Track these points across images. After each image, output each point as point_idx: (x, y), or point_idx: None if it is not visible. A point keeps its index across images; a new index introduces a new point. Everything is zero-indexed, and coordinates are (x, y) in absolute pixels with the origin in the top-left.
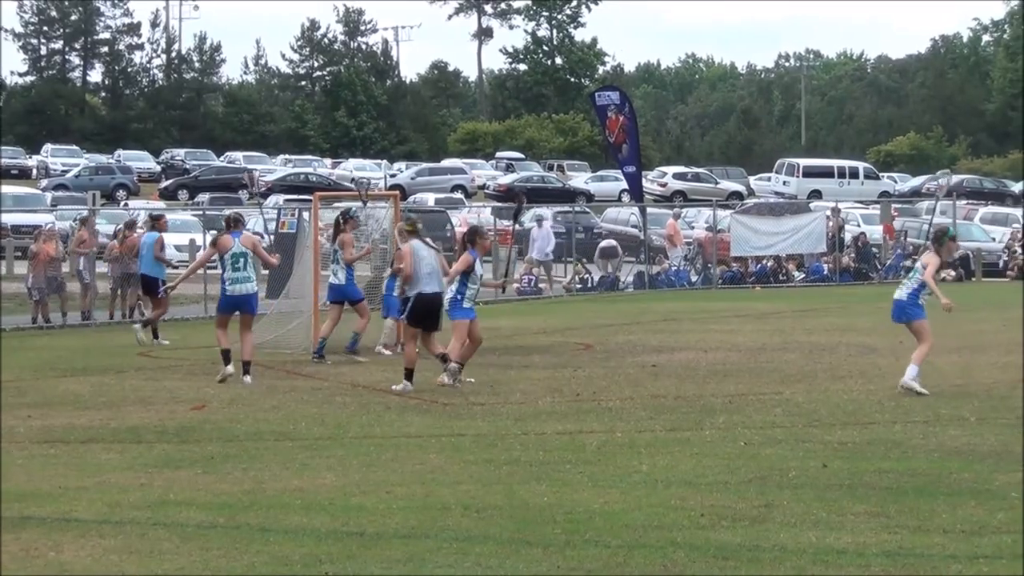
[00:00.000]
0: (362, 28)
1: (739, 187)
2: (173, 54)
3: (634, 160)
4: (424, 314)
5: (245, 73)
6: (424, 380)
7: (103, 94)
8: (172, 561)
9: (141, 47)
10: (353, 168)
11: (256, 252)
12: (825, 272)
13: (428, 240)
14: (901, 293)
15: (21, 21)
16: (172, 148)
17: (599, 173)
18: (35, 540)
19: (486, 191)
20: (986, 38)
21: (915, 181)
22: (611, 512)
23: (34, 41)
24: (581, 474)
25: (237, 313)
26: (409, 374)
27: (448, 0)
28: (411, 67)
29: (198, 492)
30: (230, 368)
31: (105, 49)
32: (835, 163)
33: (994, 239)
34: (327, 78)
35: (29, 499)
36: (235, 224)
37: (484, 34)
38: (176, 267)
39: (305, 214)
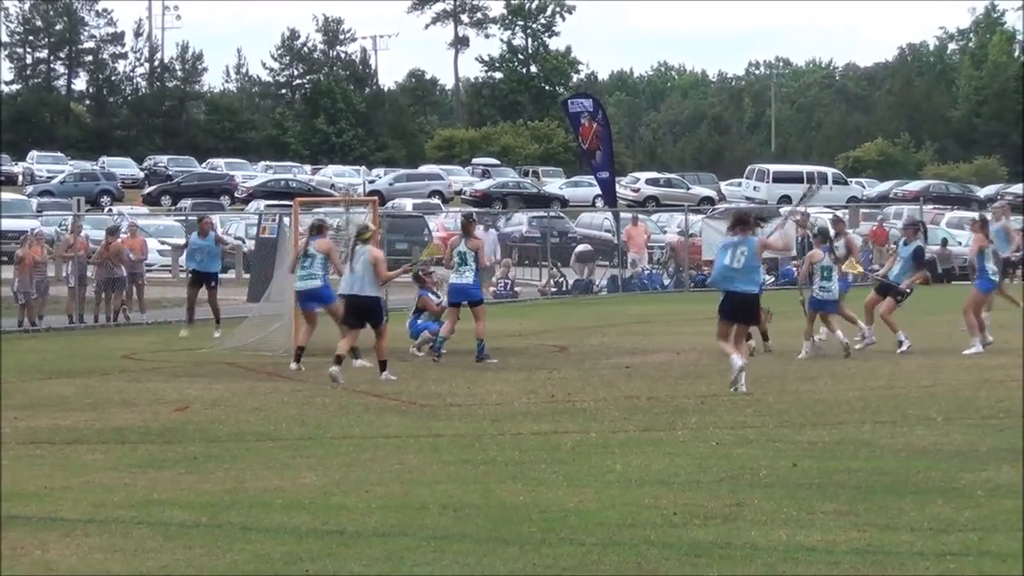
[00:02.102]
0: (341, 37)
1: (710, 192)
2: (156, 63)
3: (607, 166)
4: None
5: (227, 81)
6: (402, 381)
7: (87, 102)
8: (156, 559)
9: (125, 56)
10: (332, 174)
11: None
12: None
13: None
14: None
15: (7, 31)
16: (155, 155)
17: (573, 179)
18: (21, 539)
19: (463, 196)
20: (952, 46)
21: (883, 186)
22: (585, 511)
23: (20, 50)
24: (556, 473)
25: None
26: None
27: (425, 10)
28: (389, 75)
29: (181, 492)
30: (293, 366)
31: (89, 58)
32: (804, 169)
33: (960, 243)
34: (307, 86)
35: (15, 499)
36: (317, 231)
37: (460, 43)
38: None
39: (286, 219)
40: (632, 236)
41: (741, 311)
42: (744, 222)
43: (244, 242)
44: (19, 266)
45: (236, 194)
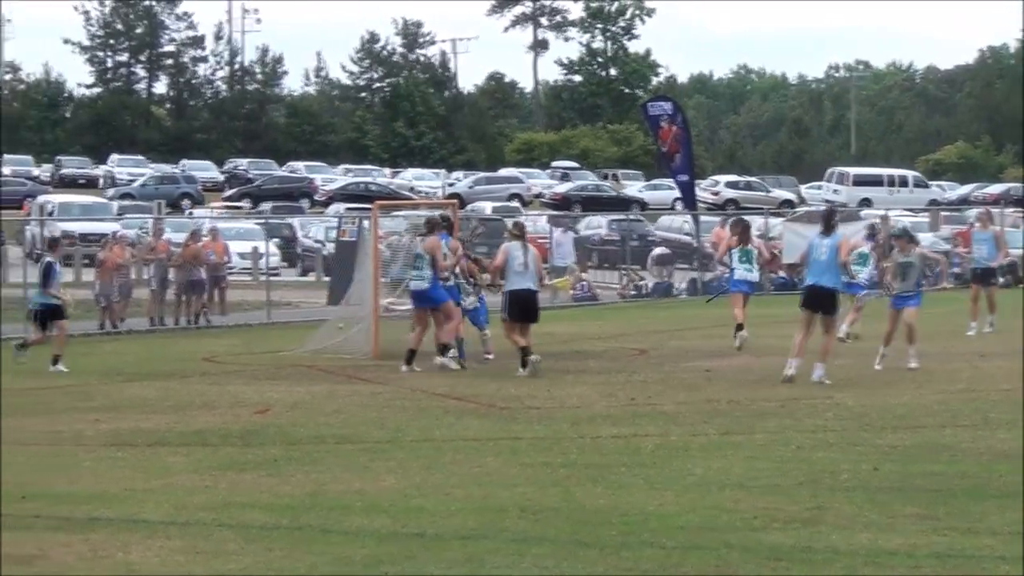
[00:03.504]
0: (420, 40)
1: (790, 195)
2: (236, 66)
3: (687, 169)
4: (517, 307)
5: (306, 84)
6: (481, 384)
7: (168, 105)
8: (236, 561)
9: (205, 59)
10: (412, 177)
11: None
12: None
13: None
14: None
15: (88, 34)
16: (235, 158)
17: (653, 182)
18: (103, 541)
19: (542, 200)
20: None
21: (963, 189)
22: (666, 514)
23: (100, 53)
24: (636, 477)
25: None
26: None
27: (505, 13)
28: (468, 78)
29: (262, 494)
30: (403, 368)
31: (170, 61)
32: (885, 172)
33: None
34: (386, 89)
35: (97, 501)
36: (434, 228)
37: (540, 46)
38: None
39: (365, 222)
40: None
41: (819, 302)
42: (828, 221)
43: (324, 245)
44: (100, 269)
45: (316, 197)
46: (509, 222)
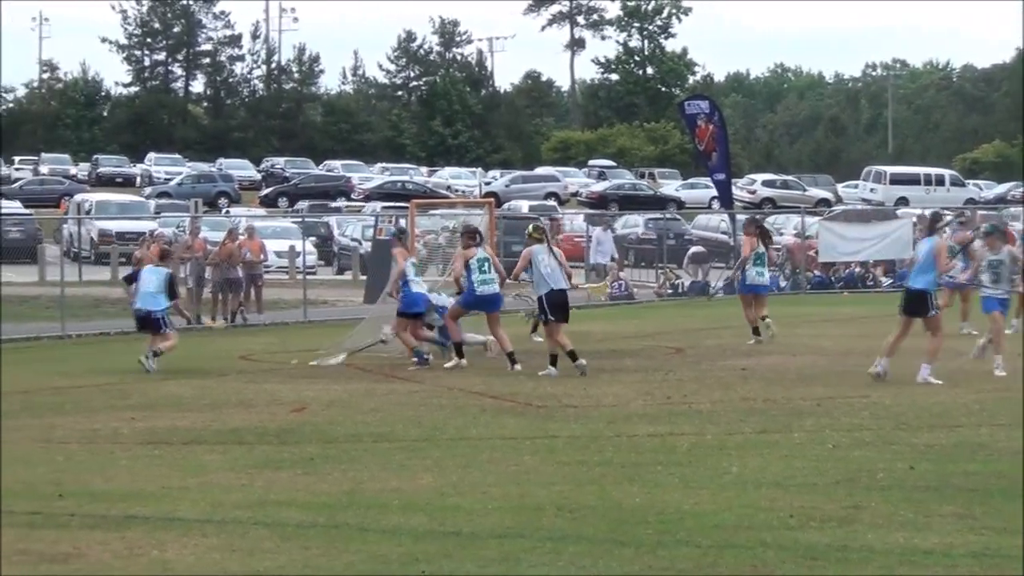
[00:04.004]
0: (457, 39)
1: (827, 194)
2: (273, 64)
3: (724, 168)
4: (555, 309)
5: (343, 83)
6: (518, 382)
7: (205, 104)
8: (273, 559)
9: (242, 58)
10: (449, 176)
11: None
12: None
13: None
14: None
15: (125, 33)
16: (272, 156)
17: (689, 181)
18: (139, 539)
19: (578, 198)
20: None
21: (1000, 188)
22: (702, 513)
23: (138, 52)
24: (672, 475)
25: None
26: (553, 360)
27: (542, 12)
28: (505, 77)
29: (298, 492)
30: (464, 361)
31: (207, 60)
32: (921, 170)
33: None
34: (423, 88)
35: (133, 499)
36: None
37: (577, 45)
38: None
39: (402, 221)
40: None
41: (911, 305)
42: (932, 224)
43: (360, 243)
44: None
45: (352, 196)
46: (530, 226)
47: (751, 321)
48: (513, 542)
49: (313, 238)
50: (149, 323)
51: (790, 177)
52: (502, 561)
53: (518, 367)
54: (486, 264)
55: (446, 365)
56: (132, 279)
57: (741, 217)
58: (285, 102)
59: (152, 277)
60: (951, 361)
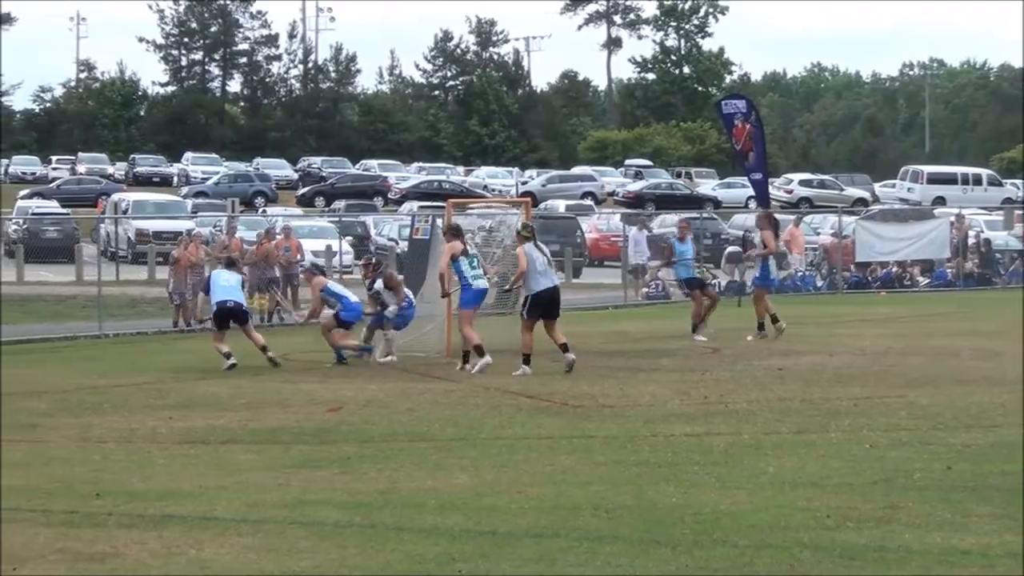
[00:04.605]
0: (494, 39)
1: (864, 194)
2: (310, 64)
3: (760, 167)
4: (547, 304)
5: (380, 83)
6: (554, 382)
7: (242, 104)
8: (309, 559)
9: (279, 58)
10: (485, 175)
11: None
12: (949, 277)
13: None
14: None
15: (162, 33)
16: (309, 156)
17: (726, 180)
18: (176, 538)
19: (615, 198)
20: None
21: None
22: (738, 513)
23: (175, 52)
24: (709, 475)
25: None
26: (527, 359)
27: (579, 11)
28: (542, 77)
29: (335, 492)
30: (488, 358)
31: (244, 60)
32: (959, 170)
33: None
34: (460, 87)
35: (170, 498)
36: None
37: (613, 44)
38: None
39: (439, 220)
40: (794, 237)
41: None
42: None
43: (397, 243)
44: (174, 267)
45: (389, 195)
46: (519, 224)
47: (761, 316)
48: (549, 542)
49: (350, 237)
50: (239, 315)
51: (827, 177)
52: (538, 561)
53: (482, 364)
54: (475, 260)
55: (473, 371)
56: (205, 288)
57: (778, 217)
58: (322, 102)
59: (231, 277)
60: (986, 361)
